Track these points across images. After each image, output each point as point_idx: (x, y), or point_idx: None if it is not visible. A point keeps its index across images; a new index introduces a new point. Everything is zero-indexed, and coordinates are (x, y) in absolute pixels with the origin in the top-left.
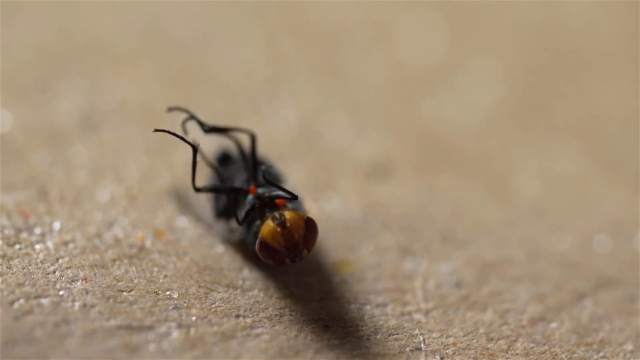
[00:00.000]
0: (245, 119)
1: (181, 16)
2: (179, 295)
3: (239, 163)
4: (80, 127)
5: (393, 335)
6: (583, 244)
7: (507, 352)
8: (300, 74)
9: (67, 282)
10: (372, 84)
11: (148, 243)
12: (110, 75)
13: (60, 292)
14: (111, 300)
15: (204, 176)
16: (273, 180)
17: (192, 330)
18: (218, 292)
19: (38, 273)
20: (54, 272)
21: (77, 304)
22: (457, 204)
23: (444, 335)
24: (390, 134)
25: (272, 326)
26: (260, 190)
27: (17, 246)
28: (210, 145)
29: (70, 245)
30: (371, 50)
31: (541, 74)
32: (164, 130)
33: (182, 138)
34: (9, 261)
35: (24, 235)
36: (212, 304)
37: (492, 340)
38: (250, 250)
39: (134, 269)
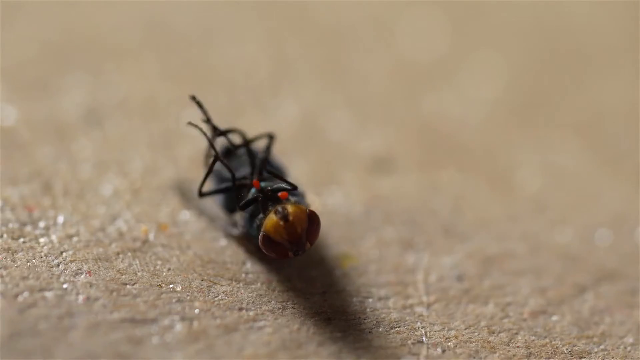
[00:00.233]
0: (248, 115)
1: (184, 12)
2: (182, 289)
3: (242, 157)
4: (84, 121)
5: (395, 328)
6: (584, 237)
7: (509, 345)
8: (303, 70)
9: (71, 275)
10: (375, 79)
11: (151, 236)
12: (113, 70)
13: (64, 286)
14: (115, 294)
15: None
16: (275, 171)
17: (195, 323)
18: (221, 285)
19: (42, 266)
20: (58, 265)
21: (81, 297)
22: (459, 198)
23: (446, 328)
24: (392, 128)
25: (275, 319)
26: (262, 184)
27: (22, 240)
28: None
29: (74, 239)
30: (373, 45)
31: (543, 70)
32: (195, 126)
33: (210, 143)
34: (13, 254)
35: (28, 228)
36: (215, 297)
37: (493, 333)
38: (253, 244)
39: (137, 262)
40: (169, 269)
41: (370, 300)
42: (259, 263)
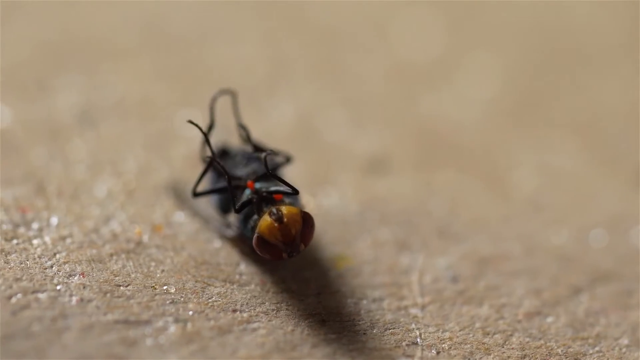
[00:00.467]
0: (244, 115)
1: (180, 12)
2: (176, 290)
3: (237, 158)
4: (79, 122)
5: (389, 329)
6: (579, 238)
7: (503, 347)
8: (299, 70)
9: (64, 276)
10: (371, 79)
11: (145, 238)
12: (108, 71)
13: (58, 287)
14: (108, 295)
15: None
16: (277, 174)
17: (189, 325)
18: (215, 287)
19: (35, 268)
20: (52, 266)
21: (74, 299)
22: (455, 199)
23: (440, 330)
24: (388, 129)
25: (269, 321)
26: (257, 185)
27: (15, 241)
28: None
29: (68, 240)
30: (369, 46)
31: (539, 70)
32: (195, 125)
33: (207, 142)
34: (6, 256)
35: (21, 230)
36: (209, 298)
37: (488, 334)
38: (248, 245)
39: (131, 263)
40: (163, 271)
41: (365, 301)
42: (253, 264)
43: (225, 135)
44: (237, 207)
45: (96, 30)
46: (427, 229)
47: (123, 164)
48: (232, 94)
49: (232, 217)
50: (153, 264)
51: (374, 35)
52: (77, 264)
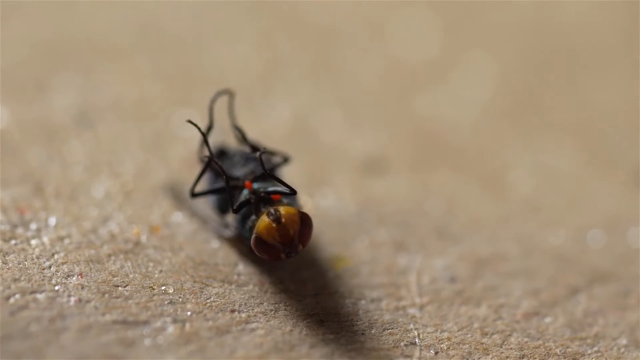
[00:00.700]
0: (240, 115)
1: (177, 13)
2: (174, 290)
3: (235, 158)
4: (76, 123)
5: (388, 329)
6: (577, 239)
7: (502, 347)
8: (295, 71)
9: (62, 277)
10: (367, 80)
11: (143, 238)
12: (106, 71)
13: (56, 287)
14: (107, 295)
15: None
16: (275, 174)
17: (187, 325)
18: (213, 287)
19: (34, 268)
20: (50, 267)
21: (72, 299)
22: (452, 200)
23: (439, 330)
24: (384, 130)
25: (267, 321)
26: (255, 185)
27: (13, 241)
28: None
29: (66, 241)
30: (365, 46)
31: (535, 71)
32: (195, 125)
33: (206, 142)
34: (4, 256)
35: (19, 230)
36: (207, 299)
37: (486, 334)
38: (246, 246)
39: (129, 264)
40: (161, 271)
41: (363, 302)
42: (251, 265)
43: (223, 136)
44: (235, 207)
45: (93, 31)
46: (424, 229)
47: (121, 165)
48: (230, 95)
49: (230, 218)
50: (151, 264)
51: (370, 36)
52: (75, 265)
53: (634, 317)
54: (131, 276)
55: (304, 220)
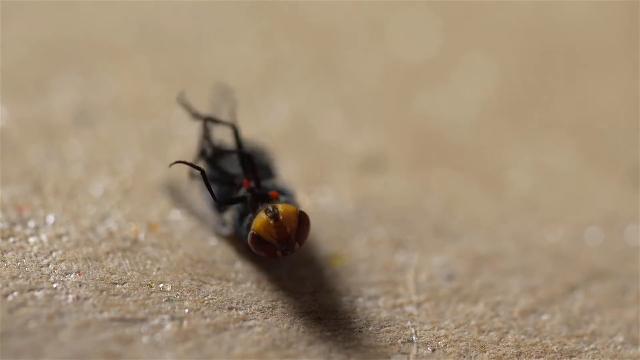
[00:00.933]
0: (239, 114)
1: (177, 13)
2: (172, 288)
3: (233, 157)
4: (75, 122)
5: (385, 327)
6: (574, 236)
7: (499, 344)
8: (295, 70)
9: (60, 274)
10: (366, 79)
11: (141, 236)
12: (105, 71)
13: (54, 285)
14: (104, 293)
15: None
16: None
17: (185, 323)
18: (211, 285)
19: (32, 266)
20: (48, 265)
21: (70, 297)
22: (450, 198)
23: (436, 328)
24: (383, 128)
25: (265, 318)
26: (252, 184)
27: (11, 239)
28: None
29: (64, 239)
30: (365, 46)
31: (535, 70)
32: (201, 118)
33: (206, 134)
34: (3, 254)
35: (18, 228)
36: (205, 296)
37: (483, 332)
38: (243, 243)
39: (127, 261)
40: (159, 269)
41: (360, 299)
42: (248, 262)
43: (220, 135)
44: (220, 200)
45: (93, 30)
46: (422, 227)
47: (119, 163)
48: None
49: (228, 215)
50: (149, 262)
51: (370, 36)
52: (73, 262)
53: (631, 315)
54: (129, 274)
55: (302, 218)
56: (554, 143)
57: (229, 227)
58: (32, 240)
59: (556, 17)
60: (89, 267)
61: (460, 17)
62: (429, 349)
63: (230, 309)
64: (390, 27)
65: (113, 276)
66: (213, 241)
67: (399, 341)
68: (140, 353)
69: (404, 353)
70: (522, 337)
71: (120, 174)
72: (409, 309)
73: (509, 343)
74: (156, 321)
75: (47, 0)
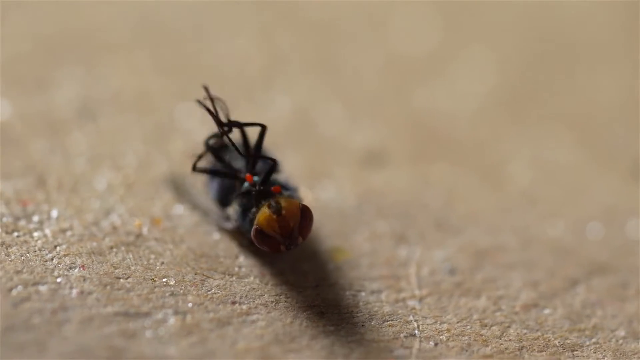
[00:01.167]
0: (240, 108)
1: (177, 6)
2: (175, 282)
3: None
4: (78, 115)
5: (387, 321)
6: (576, 231)
7: (501, 338)
8: (296, 64)
9: (64, 269)
10: (366, 73)
11: (145, 231)
12: (107, 64)
13: (58, 280)
14: (108, 287)
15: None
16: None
17: (189, 317)
18: (214, 279)
19: (36, 260)
20: (52, 259)
21: (74, 291)
22: (451, 192)
23: (438, 322)
24: (384, 123)
25: (268, 313)
26: (256, 178)
27: (15, 234)
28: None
29: (68, 233)
30: (365, 40)
31: (534, 65)
32: (203, 106)
33: (216, 119)
34: (7, 249)
35: (22, 223)
36: (209, 290)
37: (485, 326)
38: (246, 238)
39: (131, 256)
40: (163, 263)
41: (363, 293)
42: (252, 257)
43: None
44: (223, 195)
45: (95, 24)
46: (424, 221)
47: (122, 158)
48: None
49: (231, 210)
50: (153, 256)
51: (369, 30)
52: (77, 257)
53: (632, 309)
54: (133, 268)
55: (304, 213)
56: (553, 137)
57: (232, 222)
58: (36, 234)
59: (556, 11)
60: (92, 261)
61: (460, 12)
62: (432, 343)
63: (233, 303)
64: (390, 22)
65: (117, 270)
66: (216, 235)
67: (402, 335)
68: (143, 347)
69: (406, 347)
70: (524, 331)
71: (124, 168)
72: (412, 303)
73: (511, 337)
74: (160, 315)
75: None
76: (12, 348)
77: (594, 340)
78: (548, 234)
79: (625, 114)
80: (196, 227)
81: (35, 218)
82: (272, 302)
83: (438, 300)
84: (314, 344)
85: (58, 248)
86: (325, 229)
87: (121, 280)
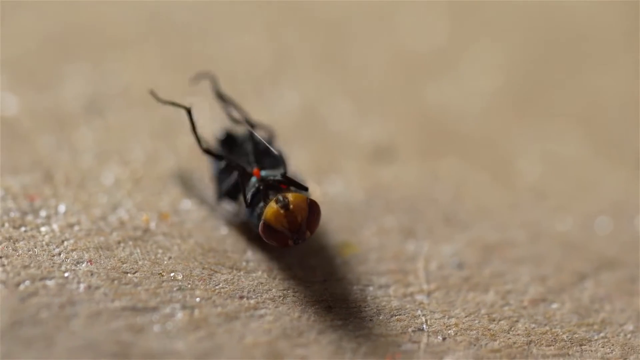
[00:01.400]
0: (249, 104)
1: (185, 2)
2: (183, 277)
3: (244, 145)
4: (86, 111)
5: (395, 316)
6: (584, 225)
7: (509, 333)
8: (304, 60)
9: (72, 264)
10: (375, 69)
11: (152, 225)
12: (115, 60)
13: (66, 274)
14: (116, 282)
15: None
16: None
17: (196, 312)
18: (222, 274)
19: (43, 255)
20: (59, 254)
21: (82, 286)
22: (460, 187)
23: (446, 316)
24: (392, 118)
25: (276, 307)
26: (263, 173)
27: (23, 229)
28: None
29: (76, 228)
30: (374, 36)
31: (542, 61)
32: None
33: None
34: (14, 243)
35: (29, 217)
36: (216, 285)
37: (493, 320)
38: (254, 232)
39: (138, 250)
40: (170, 258)
41: (371, 288)
42: (259, 251)
43: (229, 123)
44: (247, 202)
45: (102, 20)
46: (432, 216)
47: (130, 153)
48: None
49: (237, 203)
50: (160, 251)
51: (378, 25)
52: (84, 251)
53: None
54: (140, 263)
55: (312, 207)
56: (562, 133)
57: (239, 217)
58: (43, 229)
59: (564, 7)
60: (100, 256)
61: (468, 8)
62: (440, 337)
63: (241, 297)
64: (398, 17)
65: (124, 265)
66: (224, 230)
67: (410, 330)
68: (151, 342)
69: (414, 342)
70: (533, 325)
71: (131, 163)
72: (420, 297)
73: (519, 332)
74: (167, 310)
75: None
76: (20, 343)
77: (602, 334)
78: (556, 229)
79: (633, 109)
80: (204, 222)
81: (43, 213)
82: (279, 296)
83: (446, 295)
84: (322, 338)
85: (65, 243)
86: (333, 223)
87: (129, 274)
